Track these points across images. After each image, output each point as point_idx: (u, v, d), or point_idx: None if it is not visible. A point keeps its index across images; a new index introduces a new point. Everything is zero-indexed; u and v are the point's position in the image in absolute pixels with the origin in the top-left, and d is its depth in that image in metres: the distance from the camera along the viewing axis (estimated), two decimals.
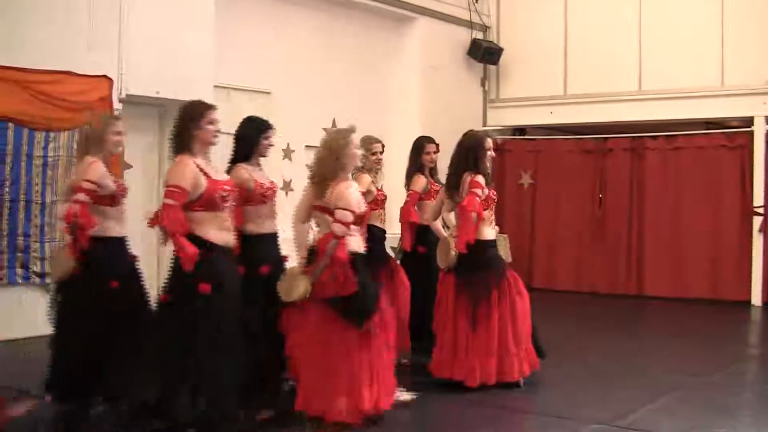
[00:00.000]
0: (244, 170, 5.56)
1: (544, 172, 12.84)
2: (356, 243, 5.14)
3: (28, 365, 6.75)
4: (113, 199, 5.43)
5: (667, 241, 11.73)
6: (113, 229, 5.44)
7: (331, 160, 5.17)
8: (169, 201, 4.74)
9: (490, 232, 6.19)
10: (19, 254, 7.80)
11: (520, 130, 13.40)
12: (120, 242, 5.52)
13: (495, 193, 6.32)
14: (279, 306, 5.23)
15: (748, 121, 11.25)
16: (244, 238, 5.37)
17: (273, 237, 5.70)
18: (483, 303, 6.00)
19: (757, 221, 10.99)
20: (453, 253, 6.03)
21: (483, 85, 13.13)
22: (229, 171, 5.53)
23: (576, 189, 12.48)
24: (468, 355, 6.01)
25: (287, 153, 10.20)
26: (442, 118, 11.21)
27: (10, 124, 7.67)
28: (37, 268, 7.91)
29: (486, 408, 5.67)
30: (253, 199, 5.53)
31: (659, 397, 5.98)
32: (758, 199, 11.00)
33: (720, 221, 11.38)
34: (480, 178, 6.09)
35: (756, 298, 10.94)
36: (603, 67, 12.10)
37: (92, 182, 5.23)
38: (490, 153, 6.29)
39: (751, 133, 11.15)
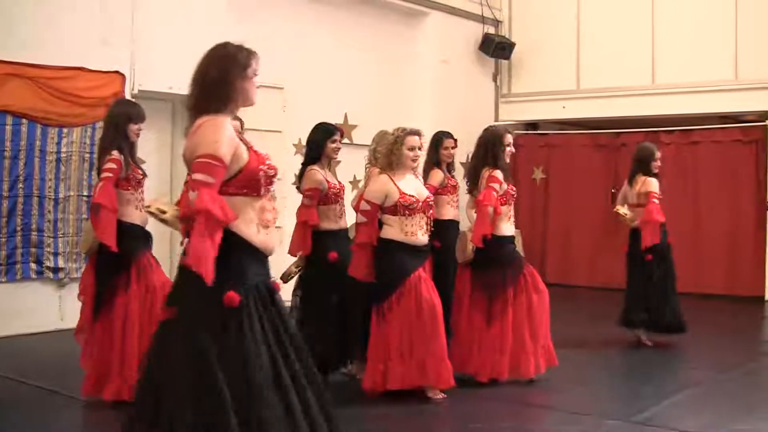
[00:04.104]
0: (318, 172, 5.97)
1: (556, 167, 12.79)
2: None
3: (45, 360, 6.79)
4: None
5: (682, 236, 11.55)
6: None
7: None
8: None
9: (508, 227, 6.15)
10: (33, 249, 7.81)
11: (533, 124, 13.34)
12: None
13: (514, 189, 6.27)
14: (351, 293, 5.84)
15: (763, 116, 11.17)
16: (319, 234, 5.96)
17: (345, 233, 6.11)
18: (498, 299, 5.97)
19: None
20: (470, 247, 6.00)
21: (495, 79, 13.09)
22: (302, 174, 6.07)
23: (589, 184, 12.41)
24: (480, 350, 5.99)
25: (299, 148, 10.17)
26: (454, 113, 11.18)
27: (24, 120, 7.70)
28: (50, 264, 7.92)
29: (502, 403, 5.65)
30: (328, 198, 5.99)
31: (676, 393, 5.93)
32: None
33: (735, 216, 11.29)
34: (498, 173, 6.04)
35: None
36: (616, 61, 12.01)
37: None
38: (510, 148, 6.24)
39: (766, 128, 11.07)
